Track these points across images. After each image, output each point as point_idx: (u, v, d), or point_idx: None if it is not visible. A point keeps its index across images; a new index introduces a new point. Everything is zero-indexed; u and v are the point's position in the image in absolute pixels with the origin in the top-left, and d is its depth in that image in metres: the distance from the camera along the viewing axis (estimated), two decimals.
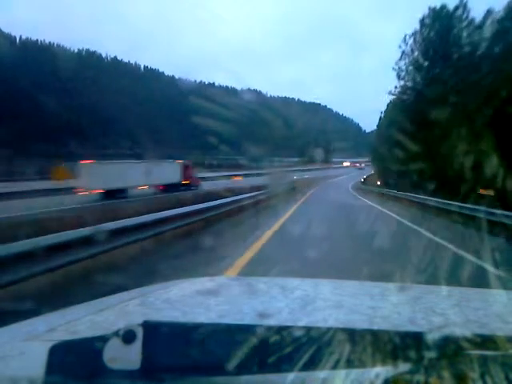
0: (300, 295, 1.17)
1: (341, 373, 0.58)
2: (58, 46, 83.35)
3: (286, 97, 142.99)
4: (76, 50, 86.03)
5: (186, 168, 31.86)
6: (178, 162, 31.87)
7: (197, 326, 0.65)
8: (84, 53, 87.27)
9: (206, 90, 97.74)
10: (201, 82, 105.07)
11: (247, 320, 0.88)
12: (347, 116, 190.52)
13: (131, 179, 25.41)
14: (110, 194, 22.01)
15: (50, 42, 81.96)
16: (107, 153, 49.83)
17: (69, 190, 20.00)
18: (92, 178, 22.62)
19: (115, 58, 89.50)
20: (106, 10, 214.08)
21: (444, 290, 1.29)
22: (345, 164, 76.09)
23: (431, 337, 0.64)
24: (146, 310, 1.04)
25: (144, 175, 26.56)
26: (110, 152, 51.12)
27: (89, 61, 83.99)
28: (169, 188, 27.14)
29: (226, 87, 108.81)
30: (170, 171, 30.61)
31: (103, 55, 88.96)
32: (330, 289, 1.31)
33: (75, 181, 21.65)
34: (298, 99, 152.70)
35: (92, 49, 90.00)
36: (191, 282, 1.41)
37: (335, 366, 0.58)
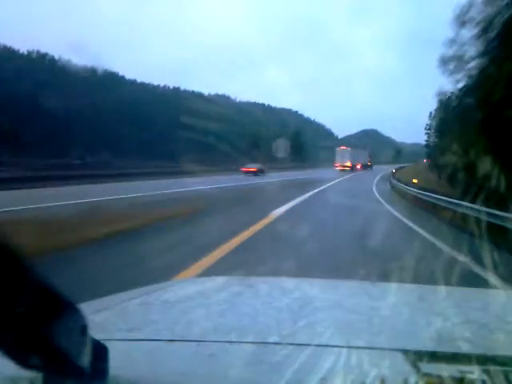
0: (300, 295, 1.17)
1: (340, 372, 0.58)
2: (6, 47, 76.60)
3: (255, 102, 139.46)
4: (26, 52, 79.38)
5: (369, 156, 65.90)
6: (367, 151, 67.00)
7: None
8: (34, 55, 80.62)
9: (170, 95, 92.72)
10: (165, 86, 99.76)
11: (246, 320, 0.89)
12: (319, 122, 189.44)
13: (357, 160, 56.81)
14: (351, 168, 52.14)
15: None
16: (51, 163, 44.23)
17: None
18: (341, 158, 54.22)
19: (69, 60, 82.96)
20: (60, 10, 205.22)
21: (444, 289, 1.25)
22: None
23: (431, 337, 0.65)
24: (146, 309, 1.03)
25: (358, 158, 58.34)
26: (56, 162, 45.48)
27: (40, 63, 77.59)
28: (363, 167, 59.88)
29: (192, 92, 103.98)
30: (364, 156, 62.81)
31: (56, 57, 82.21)
32: (329, 289, 1.31)
33: (335, 160, 55.79)
34: (269, 105, 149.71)
35: (43, 50, 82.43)
36: (191, 282, 1.44)
37: (334, 365, 0.59)
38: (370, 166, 65.88)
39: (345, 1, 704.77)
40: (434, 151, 41.99)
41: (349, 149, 58.41)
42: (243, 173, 35.26)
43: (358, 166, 58.64)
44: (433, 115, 49.86)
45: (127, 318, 0.95)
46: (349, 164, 54.66)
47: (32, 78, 65.99)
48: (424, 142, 57.85)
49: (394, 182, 23.81)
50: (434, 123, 47.78)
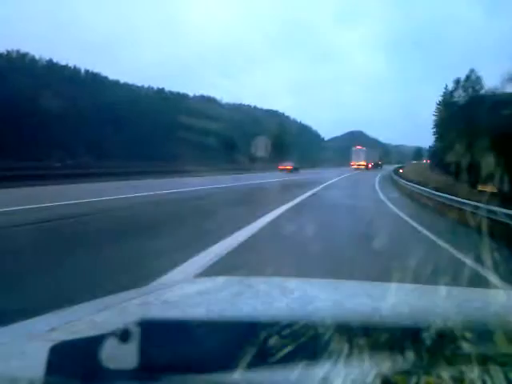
0: (300, 295, 1.18)
1: (339, 371, 0.59)
2: None
3: (241, 104, 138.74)
4: (5, 52, 77.60)
5: (379, 155, 71.40)
6: (377, 151, 74.78)
7: (194, 324, 0.68)
8: (14, 54, 78.86)
9: (154, 97, 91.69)
10: (149, 87, 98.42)
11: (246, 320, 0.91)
12: (305, 124, 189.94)
13: (369, 159, 59.96)
14: (365, 167, 57.57)
15: None
16: (31, 165, 43.24)
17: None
18: (357, 157, 60.65)
19: (50, 60, 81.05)
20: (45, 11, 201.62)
21: (444, 290, 1.26)
22: None
23: (430, 337, 0.66)
24: (146, 310, 1.04)
25: (371, 157, 61.72)
26: (35, 164, 44.48)
27: (19, 63, 76.02)
28: (374, 166, 61.95)
29: (178, 93, 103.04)
30: (376, 156, 66.12)
31: (36, 57, 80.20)
32: (329, 289, 1.33)
33: (351, 159, 62.46)
34: (255, 106, 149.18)
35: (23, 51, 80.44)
36: (191, 282, 1.47)
37: (333, 365, 0.60)
38: (381, 165, 69.24)
39: (331, 4, 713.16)
40: (443, 148, 35.67)
41: (364, 148, 63.58)
42: (279, 170, 41.34)
43: (370, 165, 62.46)
44: (442, 101, 45.72)
45: (127, 318, 0.88)
46: (363, 163, 59.81)
47: (11, 78, 64.57)
48: (411, 144, 57.98)
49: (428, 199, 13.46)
50: (441, 115, 43.68)
